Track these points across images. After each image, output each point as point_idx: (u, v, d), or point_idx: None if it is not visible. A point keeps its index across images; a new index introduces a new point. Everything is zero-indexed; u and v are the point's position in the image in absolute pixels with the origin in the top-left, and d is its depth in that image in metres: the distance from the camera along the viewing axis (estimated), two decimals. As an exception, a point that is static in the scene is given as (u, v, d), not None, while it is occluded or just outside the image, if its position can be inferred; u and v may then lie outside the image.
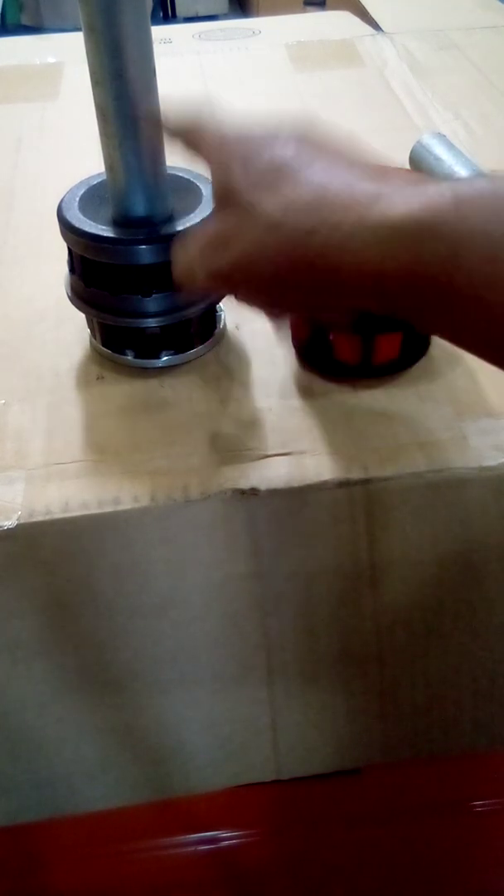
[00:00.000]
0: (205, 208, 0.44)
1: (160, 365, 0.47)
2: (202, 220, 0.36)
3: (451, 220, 0.26)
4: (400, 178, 0.29)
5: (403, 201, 0.27)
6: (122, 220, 0.43)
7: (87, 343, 0.49)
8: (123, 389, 0.46)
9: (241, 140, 0.33)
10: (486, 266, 0.25)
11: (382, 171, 0.30)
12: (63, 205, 0.44)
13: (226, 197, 0.33)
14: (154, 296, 0.44)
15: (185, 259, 0.36)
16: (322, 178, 0.30)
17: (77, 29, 0.40)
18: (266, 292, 0.33)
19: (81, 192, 0.45)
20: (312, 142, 0.32)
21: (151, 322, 0.45)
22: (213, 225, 0.34)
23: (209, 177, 0.36)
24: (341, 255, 0.29)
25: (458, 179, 0.28)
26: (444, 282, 0.26)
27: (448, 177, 0.57)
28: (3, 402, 0.46)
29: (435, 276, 0.26)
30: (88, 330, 0.49)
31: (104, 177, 0.44)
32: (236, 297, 0.35)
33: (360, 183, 0.29)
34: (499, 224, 0.25)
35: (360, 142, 0.34)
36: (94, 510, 0.39)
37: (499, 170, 0.59)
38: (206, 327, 0.48)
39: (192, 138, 0.37)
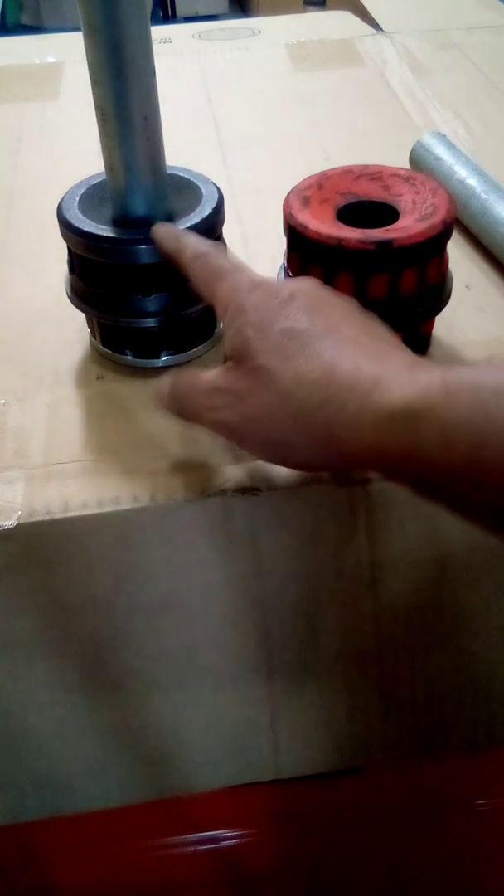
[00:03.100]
0: (204, 208, 0.44)
1: (160, 365, 0.47)
2: (218, 371, 0.37)
3: (440, 411, 0.29)
4: (396, 359, 0.33)
5: (400, 389, 0.31)
6: (122, 220, 0.43)
7: (87, 343, 0.49)
8: (123, 389, 0.46)
9: (257, 307, 0.35)
10: (473, 451, 0.29)
11: (380, 353, 0.33)
12: (63, 205, 0.44)
13: (240, 357, 0.35)
14: (154, 295, 0.44)
15: (187, 399, 0.38)
16: (331, 356, 0.33)
17: (77, 29, 0.40)
18: (270, 450, 0.36)
19: (81, 192, 0.45)
20: (322, 313, 0.35)
21: (151, 322, 0.45)
22: (225, 378, 0.36)
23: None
24: (346, 431, 0.32)
25: (447, 368, 0.31)
26: (438, 462, 0.30)
27: (448, 177, 0.58)
28: (3, 402, 0.46)
29: (430, 457, 0.30)
30: (88, 330, 0.49)
31: (104, 177, 0.44)
32: (238, 446, 0.37)
33: (364, 364, 0.32)
34: (481, 414, 0.29)
35: (357, 309, 0.36)
36: (94, 510, 0.39)
37: (499, 169, 0.59)
38: (205, 327, 0.48)
39: (208, 288, 0.39)
